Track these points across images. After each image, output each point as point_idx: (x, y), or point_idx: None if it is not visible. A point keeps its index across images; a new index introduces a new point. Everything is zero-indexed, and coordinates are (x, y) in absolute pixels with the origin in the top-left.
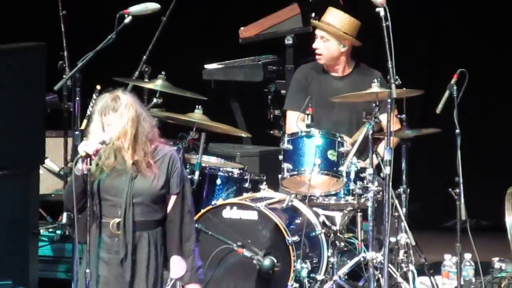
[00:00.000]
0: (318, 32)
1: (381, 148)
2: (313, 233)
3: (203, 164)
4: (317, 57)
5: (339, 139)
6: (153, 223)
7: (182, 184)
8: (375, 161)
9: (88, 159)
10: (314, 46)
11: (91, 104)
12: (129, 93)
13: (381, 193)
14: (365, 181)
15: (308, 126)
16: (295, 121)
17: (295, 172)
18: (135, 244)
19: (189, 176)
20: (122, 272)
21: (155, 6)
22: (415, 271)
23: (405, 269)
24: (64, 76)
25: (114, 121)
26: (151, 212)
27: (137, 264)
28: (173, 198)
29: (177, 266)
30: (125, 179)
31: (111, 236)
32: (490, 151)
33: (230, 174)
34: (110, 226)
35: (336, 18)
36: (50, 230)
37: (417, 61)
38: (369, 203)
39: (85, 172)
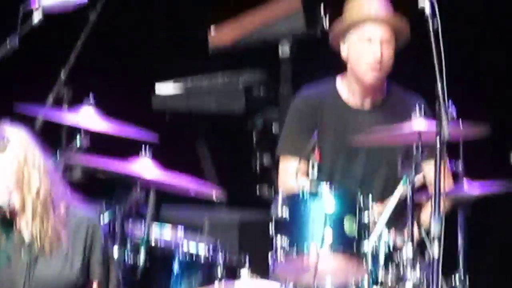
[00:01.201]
0: (375, 32)
1: (426, 216)
2: None
3: (153, 240)
4: (374, 74)
5: (361, 200)
6: None
7: (107, 265)
8: (417, 236)
9: None
10: (375, 54)
11: None
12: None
13: (425, 285)
14: (401, 268)
15: (313, 181)
16: (293, 173)
17: (294, 251)
18: None
19: (131, 260)
20: None
21: None
22: None
23: None
24: None
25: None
26: None
27: None
28: (94, 286)
29: None
30: (21, 266)
31: None
32: None
33: (195, 255)
34: None
35: (385, 7)
36: None
37: (482, 83)
38: None
39: None
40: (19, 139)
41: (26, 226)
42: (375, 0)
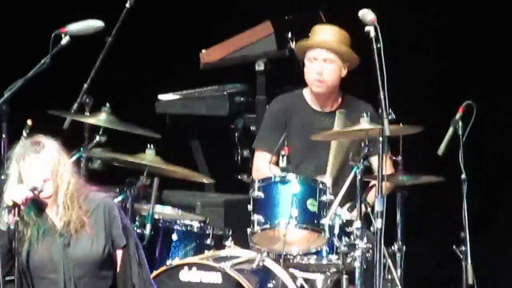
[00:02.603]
0: (319, 53)
1: (372, 196)
2: None
3: (156, 216)
4: (317, 85)
5: (320, 185)
6: None
7: (126, 234)
8: (363, 212)
9: (16, 209)
10: (315, 70)
11: (13, 147)
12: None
13: (371, 251)
14: (352, 237)
15: (283, 169)
16: (266, 163)
17: (268, 226)
18: None
19: (139, 231)
20: None
21: (98, 24)
22: None
23: None
24: None
25: (35, 164)
26: (100, 281)
27: None
28: (119, 253)
29: None
30: (57, 248)
31: None
32: (504, 199)
33: (189, 228)
34: None
35: (334, 35)
36: None
37: (418, 91)
38: (357, 264)
39: (12, 226)
40: (52, 146)
41: (56, 215)
42: (328, 31)
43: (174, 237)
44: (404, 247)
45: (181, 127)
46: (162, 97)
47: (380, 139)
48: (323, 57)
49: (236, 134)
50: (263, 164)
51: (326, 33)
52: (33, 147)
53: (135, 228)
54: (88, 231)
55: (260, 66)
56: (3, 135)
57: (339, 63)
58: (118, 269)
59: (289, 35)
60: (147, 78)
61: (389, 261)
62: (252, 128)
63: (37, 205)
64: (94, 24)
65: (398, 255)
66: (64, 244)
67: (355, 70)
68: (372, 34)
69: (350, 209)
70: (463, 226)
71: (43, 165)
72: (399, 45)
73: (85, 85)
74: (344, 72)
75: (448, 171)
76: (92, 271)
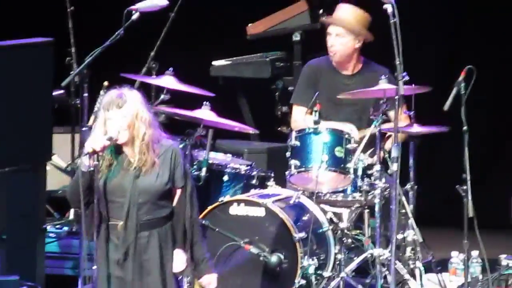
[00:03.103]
0: (332, 29)
1: (389, 144)
2: (320, 230)
3: (211, 161)
4: (331, 54)
5: (346, 135)
6: (161, 220)
7: (185, 177)
8: (382, 158)
9: (95, 155)
10: (329, 43)
11: (98, 100)
12: (136, 90)
13: (388, 190)
14: (372, 178)
15: (315, 122)
16: (301, 116)
17: (303, 169)
18: (145, 243)
19: (196, 173)
20: (134, 271)
21: (163, 2)
22: (422, 268)
23: (412, 266)
24: (71, 72)
25: (116, 117)
26: (158, 209)
27: (150, 263)
28: (178, 192)
29: (178, 259)
30: (128, 178)
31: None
32: (499, 148)
33: (238, 171)
34: (119, 228)
35: (350, 14)
36: (57, 226)
37: (429, 57)
38: (376, 200)
39: (92, 169)
40: (133, 100)
41: (133, 157)
42: (343, 9)
43: (225, 178)
44: (415, 187)
45: (231, 87)
46: (215, 62)
47: (396, 97)
48: (335, 33)
49: (276, 93)
50: (299, 116)
51: (341, 12)
52: (117, 100)
53: (192, 171)
54: (156, 168)
55: (296, 37)
56: (85, 94)
57: (350, 37)
58: (174, 204)
59: (321, 11)
60: (203, 47)
61: (403, 198)
62: (290, 88)
63: (117, 147)
64: (159, 2)
65: (410, 193)
66: (135, 175)
67: (378, 37)
68: (390, 10)
69: (371, 155)
70: (465, 169)
71: (122, 118)
72: (413, 18)
73: (152, 53)
74: (358, 44)
75: (452, 124)
76: (153, 199)
